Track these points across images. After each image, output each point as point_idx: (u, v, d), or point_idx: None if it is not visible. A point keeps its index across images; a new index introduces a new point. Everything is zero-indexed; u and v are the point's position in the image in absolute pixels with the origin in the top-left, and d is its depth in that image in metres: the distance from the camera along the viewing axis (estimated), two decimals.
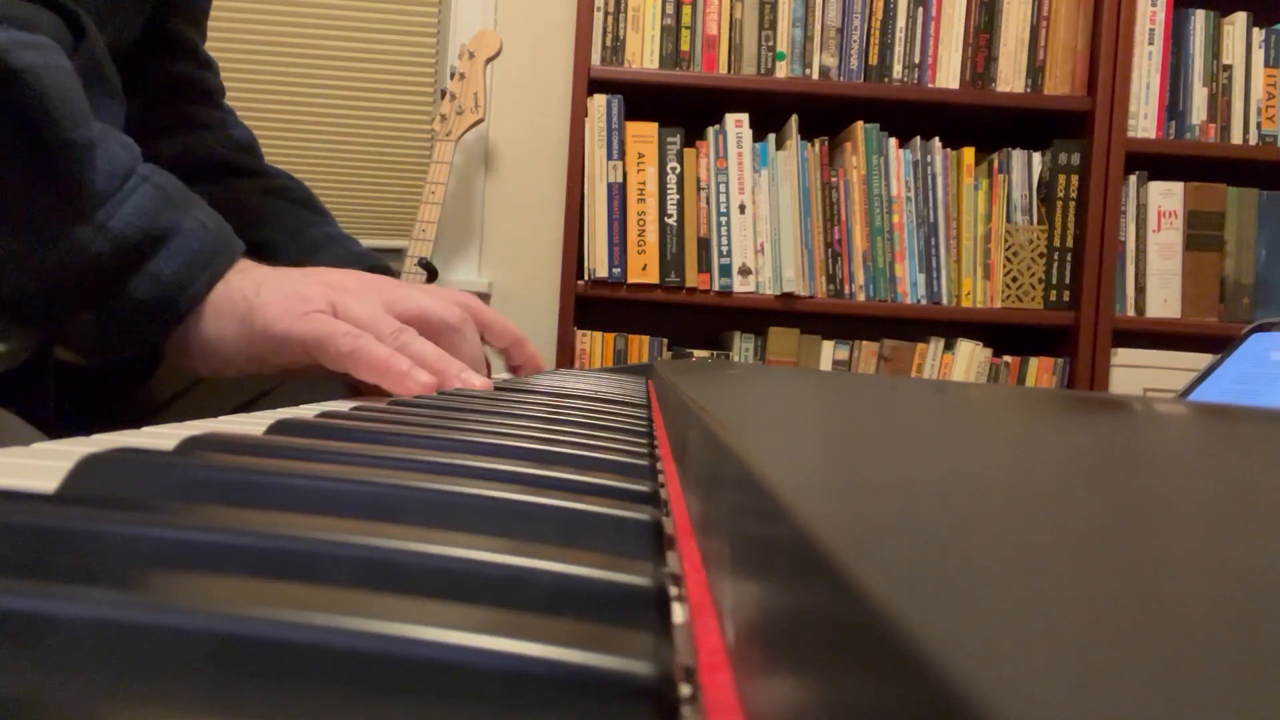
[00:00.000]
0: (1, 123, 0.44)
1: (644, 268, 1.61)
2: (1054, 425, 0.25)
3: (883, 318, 1.67)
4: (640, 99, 1.66)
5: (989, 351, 1.65)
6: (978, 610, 0.06)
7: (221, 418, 0.33)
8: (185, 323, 0.49)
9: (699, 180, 1.63)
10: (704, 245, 1.62)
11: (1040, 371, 1.64)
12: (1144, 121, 1.64)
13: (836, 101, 1.65)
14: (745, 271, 1.62)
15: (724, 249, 1.62)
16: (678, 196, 1.63)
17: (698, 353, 1.68)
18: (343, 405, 0.40)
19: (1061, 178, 1.63)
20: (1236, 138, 1.65)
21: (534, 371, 0.76)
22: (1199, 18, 1.66)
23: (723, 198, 1.62)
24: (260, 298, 0.49)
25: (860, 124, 1.63)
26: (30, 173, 0.45)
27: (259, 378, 0.71)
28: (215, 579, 0.13)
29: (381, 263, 0.72)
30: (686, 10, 1.64)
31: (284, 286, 0.49)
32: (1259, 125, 1.65)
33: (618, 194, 1.62)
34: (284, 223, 0.71)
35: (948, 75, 1.64)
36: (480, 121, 1.68)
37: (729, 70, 1.64)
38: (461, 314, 0.54)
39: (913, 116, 1.68)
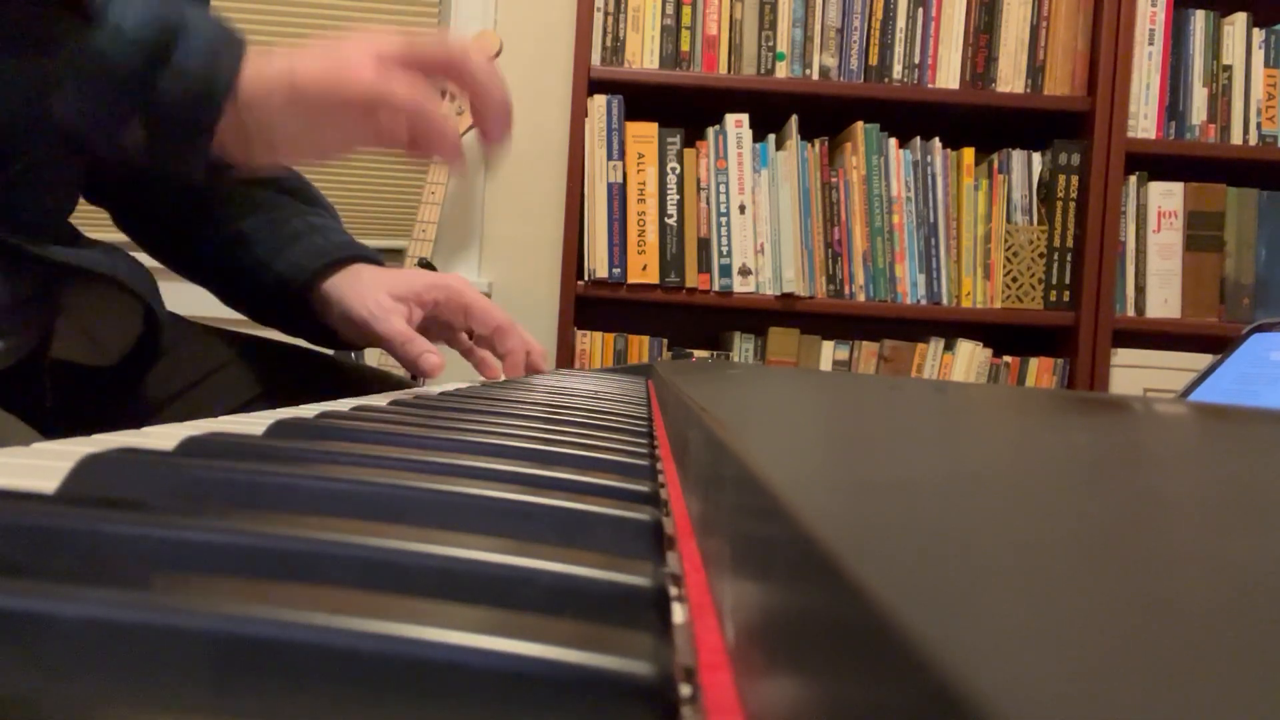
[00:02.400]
0: None
1: (644, 268, 1.61)
2: (1054, 426, 0.25)
3: (883, 318, 1.67)
4: (640, 99, 1.66)
5: (989, 352, 1.65)
6: (978, 610, 0.06)
7: (221, 418, 0.33)
8: (232, 112, 0.49)
9: (699, 180, 1.63)
10: (704, 245, 1.62)
11: (1040, 372, 1.64)
12: (1144, 122, 1.64)
13: (836, 101, 1.65)
14: (745, 271, 1.62)
15: (724, 249, 1.62)
16: (678, 197, 1.63)
17: (698, 353, 1.68)
18: (343, 405, 0.40)
19: (1061, 178, 1.63)
20: (1236, 138, 1.65)
21: (528, 361, 0.74)
22: (1199, 18, 1.66)
23: (723, 198, 1.62)
24: (299, 66, 0.49)
25: (860, 124, 1.63)
26: None
27: (257, 378, 0.71)
28: (215, 579, 0.13)
29: (368, 254, 0.71)
30: (686, 10, 1.64)
31: (315, 53, 0.50)
32: (1259, 125, 1.65)
33: (618, 194, 1.62)
34: (266, 213, 0.70)
35: (948, 75, 1.64)
36: None
37: (729, 70, 1.64)
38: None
39: (913, 116, 1.68)
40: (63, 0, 0.45)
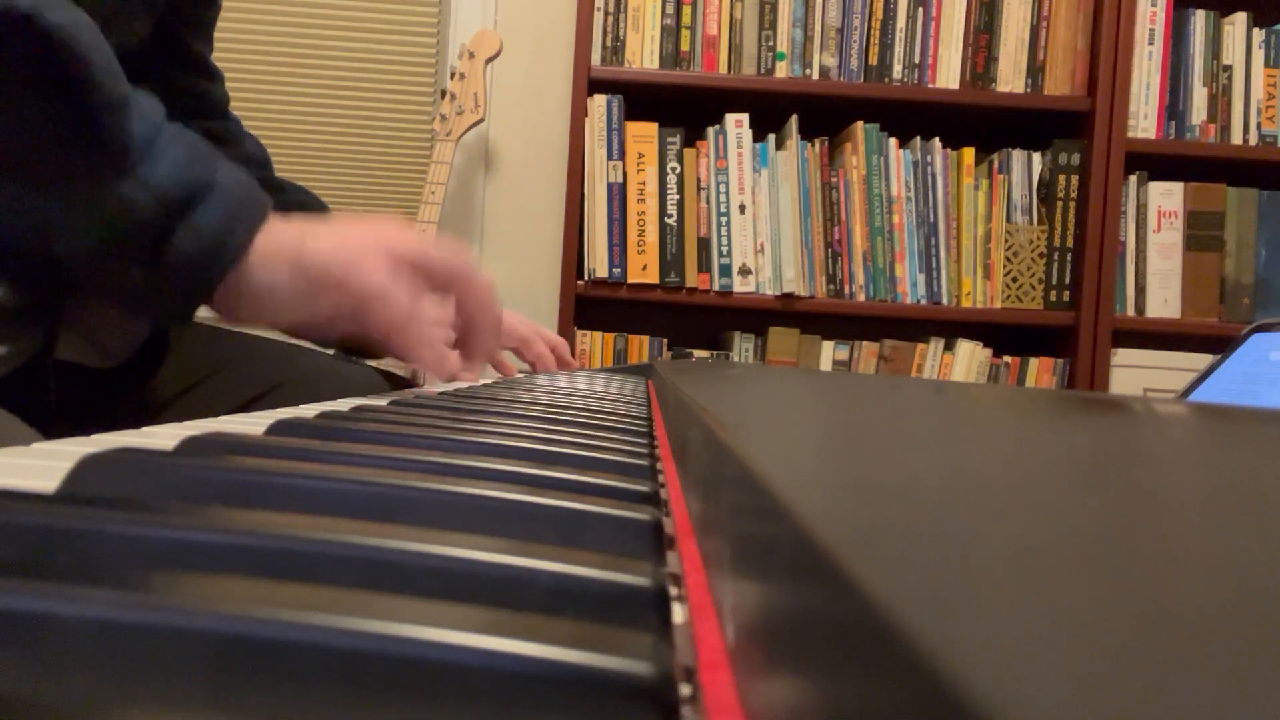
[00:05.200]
0: (40, 83, 0.44)
1: (644, 268, 1.61)
2: (1054, 426, 0.25)
3: (883, 318, 1.67)
4: (640, 99, 1.66)
5: (989, 351, 1.65)
6: (979, 611, 0.06)
7: (221, 418, 0.33)
8: (234, 273, 0.49)
9: (699, 180, 1.63)
10: (704, 245, 1.62)
11: (1040, 372, 1.64)
12: (1144, 121, 1.63)
13: (836, 101, 1.65)
14: (745, 271, 1.62)
15: (724, 249, 1.62)
16: (678, 196, 1.63)
17: (698, 353, 1.68)
18: (343, 405, 0.40)
19: (1061, 178, 1.62)
20: (1236, 138, 1.65)
21: (556, 356, 0.75)
22: (1199, 18, 1.65)
23: (723, 198, 1.62)
24: (310, 241, 0.50)
25: (860, 124, 1.63)
26: (71, 132, 0.45)
27: (257, 378, 0.71)
28: (215, 579, 0.13)
29: None
30: (686, 10, 1.64)
31: (330, 232, 0.51)
32: (1259, 125, 1.65)
33: (618, 194, 1.62)
34: None
35: (948, 75, 1.64)
36: (480, 121, 1.68)
37: (729, 70, 1.64)
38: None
39: (913, 116, 1.68)
40: (104, 144, 0.45)
